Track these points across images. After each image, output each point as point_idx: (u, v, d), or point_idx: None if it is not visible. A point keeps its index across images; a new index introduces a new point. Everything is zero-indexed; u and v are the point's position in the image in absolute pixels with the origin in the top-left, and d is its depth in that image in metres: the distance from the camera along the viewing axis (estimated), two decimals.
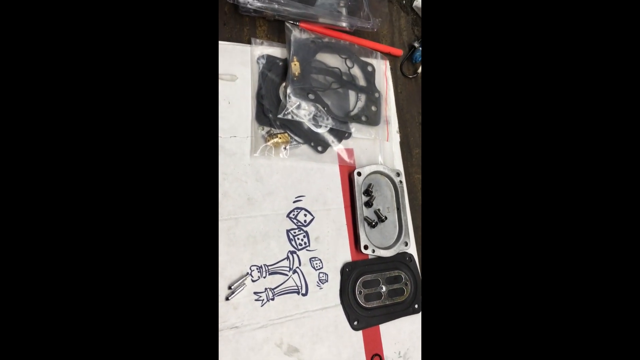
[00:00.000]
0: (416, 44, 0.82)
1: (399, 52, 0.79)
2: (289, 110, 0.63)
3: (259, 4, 0.61)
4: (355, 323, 0.62)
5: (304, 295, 0.60)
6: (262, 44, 0.65)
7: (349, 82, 0.70)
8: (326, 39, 0.69)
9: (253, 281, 0.57)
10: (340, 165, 0.68)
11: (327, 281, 0.62)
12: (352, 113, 0.69)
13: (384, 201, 0.71)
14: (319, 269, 0.62)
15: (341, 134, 0.68)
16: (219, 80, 0.61)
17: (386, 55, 0.78)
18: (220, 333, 0.53)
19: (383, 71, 0.75)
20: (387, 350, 0.64)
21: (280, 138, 0.62)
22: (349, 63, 0.70)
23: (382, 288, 0.66)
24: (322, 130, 0.66)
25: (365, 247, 0.65)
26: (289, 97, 0.63)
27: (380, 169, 0.71)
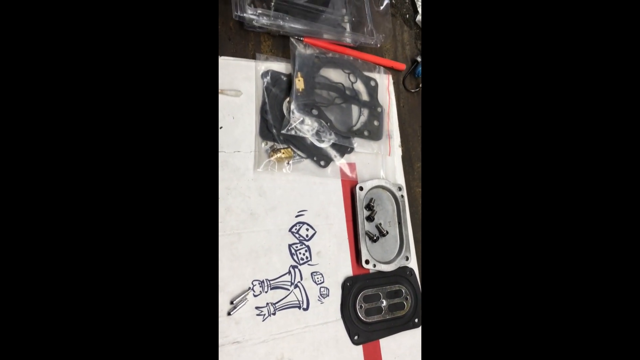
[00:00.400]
0: (419, 59, 0.83)
1: (402, 66, 0.80)
2: (293, 125, 0.64)
3: (264, 21, 0.62)
4: (356, 337, 0.63)
5: (305, 309, 0.60)
6: (266, 59, 0.66)
7: (352, 97, 0.70)
8: (330, 54, 0.70)
9: (255, 296, 0.57)
10: (342, 180, 0.69)
11: (328, 295, 0.63)
12: (355, 128, 0.70)
13: (386, 215, 0.72)
14: (320, 284, 0.63)
15: (344, 149, 0.69)
16: (224, 96, 0.62)
17: (389, 69, 0.79)
18: (222, 348, 0.53)
19: (386, 86, 0.76)
20: None
21: (283, 153, 0.62)
22: (352, 78, 0.71)
23: (382, 302, 0.67)
24: (324, 145, 0.67)
25: (367, 262, 0.65)
26: (293, 112, 0.63)
27: (382, 183, 0.71)
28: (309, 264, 0.63)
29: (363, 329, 0.64)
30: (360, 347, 0.63)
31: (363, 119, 0.71)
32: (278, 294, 0.59)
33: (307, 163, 0.66)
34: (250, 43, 0.67)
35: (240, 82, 0.64)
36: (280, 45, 0.69)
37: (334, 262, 0.65)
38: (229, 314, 0.55)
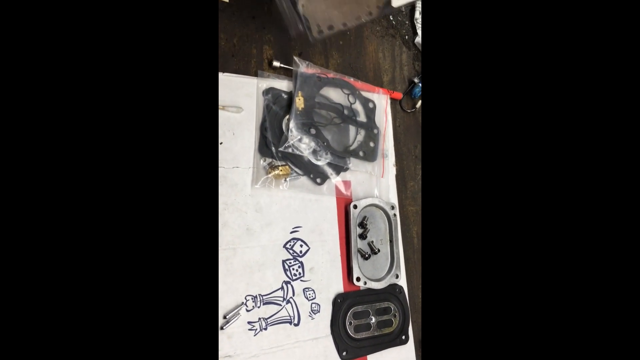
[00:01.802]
0: (416, 80, 0.85)
1: (398, 95, 0.82)
2: (290, 143, 0.65)
3: None
4: (344, 353, 0.64)
5: (296, 325, 0.62)
6: (268, 76, 0.67)
7: (350, 118, 0.72)
8: (331, 75, 0.71)
9: (247, 311, 0.58)
10: (337, 198, 0.70)
11: (319, 311, 0.64)
12: (351, 148, 0.72)
13: (378, 233, 0.73)
14: (311, 300, 0.64)
15: (339, 167, 0.70)
16: (225, 112, 0.63)
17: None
18: None
19: (384, 107, 0.78)
20: None
21: (281, 170, 0.64)
22: (351, 99, 0.73)
23: (371, 319, 0.68)
24: (321, 163, 0.69)
25: (358, 279, 0.67)
26: (291, 131, 0.65)
27: (376, 202, 0.73)
28: (301, 280, 0.64)
29: (352, 345, 0.65)
30: None
31: (360, 138, 0.73)
32: (270, 309, 0.60)
33: (304, 180, 0.67)
34: (252, 60, 0.68)
35: (241, 98, 0.65)
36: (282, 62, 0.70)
37: (326, 278, 0.66)
38: (221, 328, 0.56)
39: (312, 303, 0.64)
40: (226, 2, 0.67)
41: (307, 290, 0.64)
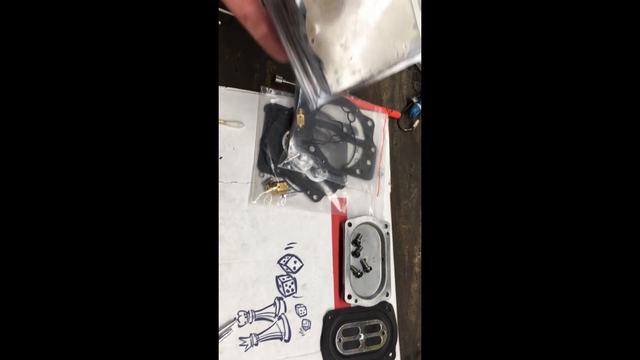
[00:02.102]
0: (414, 99, 0.86)
1: (397, 114, 0.83)
2: (289, 160, 0.66)
3: None
4: None
5: (286, 341, 0.62)
6: (270, 92, 0.68)
7: (349, 136, 0.73)
8: None
9: (239, 326, 0.59)
10: (332, 215, 0.71)
11: (309, 328, 0.65)
12: (348, 165, 0.73)
13: (370, 251, 0.74)
14: (303, 316, 0.65)
15: (336, 185, 0.71)
16: (226, 127, 0.63)
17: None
18: None
19: (382, 126, 0.79)
20: None
21: (279, 187, 0.64)
22: (350, 117, 0.74)
23: (360, 336, 0.69)
24: (318, 180, 0.69)
25: (349, 297, 0.68)
26: (291, 148, 0.65)
27: (370, 220, 0.74)
28: (293, 296, 0.65)
29: None
30: None
31: (357, 156, 0.74)
32: (262, 325, 0.61)
33: (301, 196, 0.68)
34: (255, 75, 0.68)
35: (243, 113, 0.65)
36: (285, 79, 0.70)
37: (318, 295, 0.67)
38: None
39: (303, 319, 0.65)
40: (232, 16, 0.67)
41: (298, 306, 0.65)
